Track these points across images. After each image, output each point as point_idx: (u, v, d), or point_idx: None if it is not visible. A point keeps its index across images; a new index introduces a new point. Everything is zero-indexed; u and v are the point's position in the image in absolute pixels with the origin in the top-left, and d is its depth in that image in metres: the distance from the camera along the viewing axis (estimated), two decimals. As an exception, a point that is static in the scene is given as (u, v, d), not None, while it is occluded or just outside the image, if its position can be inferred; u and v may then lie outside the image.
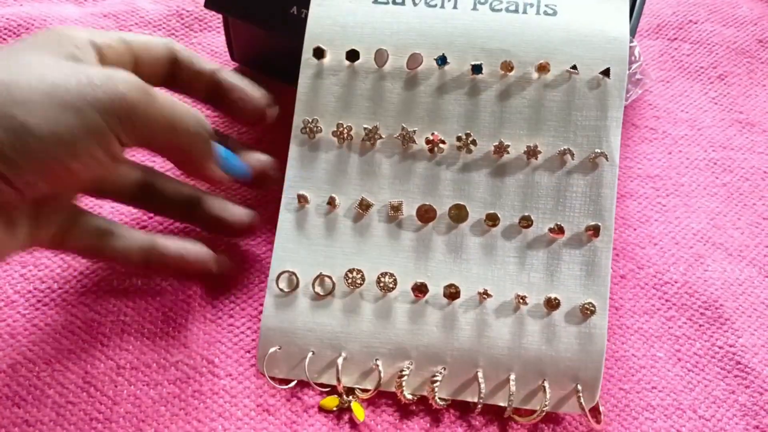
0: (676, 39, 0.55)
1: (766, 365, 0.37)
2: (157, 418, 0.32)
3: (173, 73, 0.32)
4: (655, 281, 0.40)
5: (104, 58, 0.28)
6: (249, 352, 0.34)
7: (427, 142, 0.35)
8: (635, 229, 0.42)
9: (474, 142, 0.34)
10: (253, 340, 0.35)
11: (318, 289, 0.34)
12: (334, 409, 0.33)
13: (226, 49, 0.46)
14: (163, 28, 0.49)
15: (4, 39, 0.46)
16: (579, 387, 0.33)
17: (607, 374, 0.35)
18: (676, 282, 0.40)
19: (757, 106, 0.51)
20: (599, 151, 0.34)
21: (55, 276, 0.36)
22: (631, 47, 0.40)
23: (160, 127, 0.28)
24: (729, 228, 0.43)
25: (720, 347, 0.37)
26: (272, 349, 0.33)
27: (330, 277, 0.34)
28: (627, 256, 0.40)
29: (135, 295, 0.36)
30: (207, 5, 0.41)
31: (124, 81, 0.26)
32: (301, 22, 0.38)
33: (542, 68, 0.34)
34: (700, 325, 0.38)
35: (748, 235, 0.43)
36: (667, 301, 0.39)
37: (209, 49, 0.48)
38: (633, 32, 0.41)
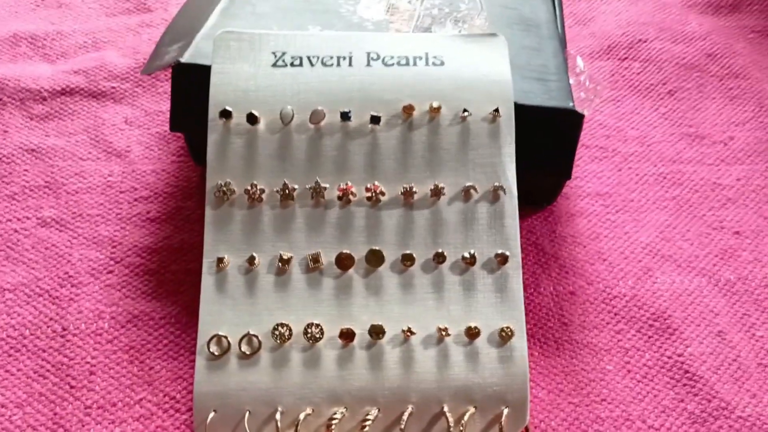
0: (626, 58, 0.57)
1: (713, 373, 0.38)
2: (121, 454, 0.33)
3: None
4: (604, 296, 0.41)
5: None
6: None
7: (339, 190, 0.36)
8: (585, 246, 0.43)
9: (382, 193, 0.36)
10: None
11: (245, 348, 0.34)
12: None
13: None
14: (131, 80, 0.51)
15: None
16: (505, 410, 0.33)
17: (556, 389, 0.37)
18: (624, 296, 0.41)
19: (707, 119, 0.52)
20: (498, 184, 0.36)
21: (26, 323, 0.38)
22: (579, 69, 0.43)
23: None
24: (678, 239, 0.44)
25: (669, 357, 0.38)
26: (211, 415, 0.33)
27: (256, 336, 0.34)
28: (576, 272, 0.42)
29: (102, 338, 0.37)
30: (173, 129, 0.42)
31: None
32: None
33: (435, 110, 0.37)
34: (649, 337, 0.39)
35: (697, 245, 0.44)
36: (616, 314, 0.40)
37: (175, 97, 0.51)
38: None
